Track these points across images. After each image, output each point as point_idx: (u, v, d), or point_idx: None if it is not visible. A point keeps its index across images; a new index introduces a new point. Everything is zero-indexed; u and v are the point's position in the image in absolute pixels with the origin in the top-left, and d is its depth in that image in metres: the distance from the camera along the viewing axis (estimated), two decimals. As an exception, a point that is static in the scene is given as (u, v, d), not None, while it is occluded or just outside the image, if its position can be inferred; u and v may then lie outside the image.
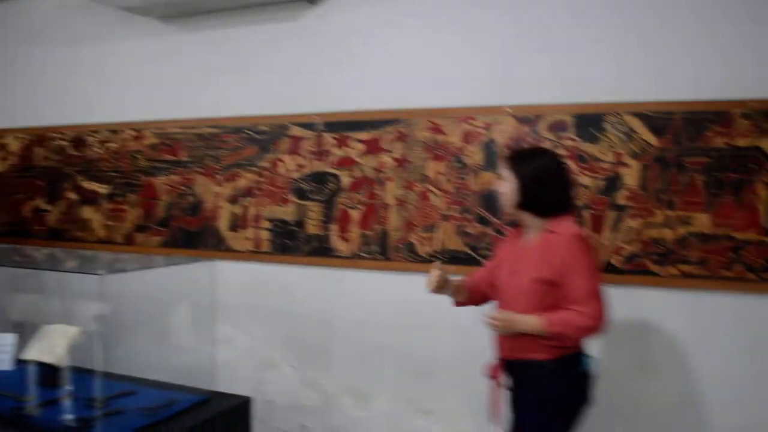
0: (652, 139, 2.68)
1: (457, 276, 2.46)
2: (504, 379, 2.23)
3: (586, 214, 2.78)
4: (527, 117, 2.85)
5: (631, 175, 2.71)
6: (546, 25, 2.85)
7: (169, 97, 3.61)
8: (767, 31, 2.57)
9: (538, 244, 2.11)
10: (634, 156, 2.70)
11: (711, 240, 2.61)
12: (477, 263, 2.91)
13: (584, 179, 2.78)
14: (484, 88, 2.94)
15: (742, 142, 2.57)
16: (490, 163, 2.90)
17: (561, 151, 2.79)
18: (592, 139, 2.76)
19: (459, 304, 2.37)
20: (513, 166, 2.15)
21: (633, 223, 2.71)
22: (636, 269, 2.71)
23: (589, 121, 2.76)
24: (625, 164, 2.72)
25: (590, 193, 2.77)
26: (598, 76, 2.78)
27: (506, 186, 2.14)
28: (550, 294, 2.04)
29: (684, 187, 2.65)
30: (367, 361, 3.23)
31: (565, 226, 2.09)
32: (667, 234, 2.67)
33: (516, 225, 2.30)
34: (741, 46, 2.60)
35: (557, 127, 2.80)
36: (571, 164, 2.77)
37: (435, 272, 2.17)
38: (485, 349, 2.81)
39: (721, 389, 2.64)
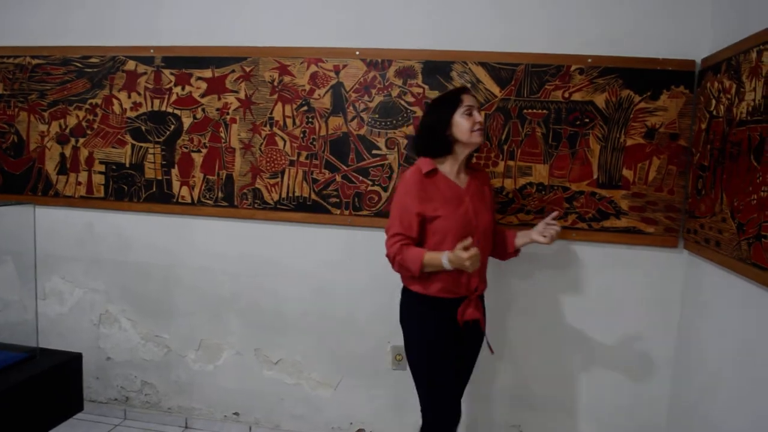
0: (496, 90, 2.70)
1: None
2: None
3: (432, 162, 2.76)
4: (376, 61, 2.77)
5: (475, 125, 2.72)
6: (398, -32, 2.77)
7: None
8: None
9: (478, 180, 2.28)
10: (479, 106, 2.71)
11: (548, 190, 2.70)
12: (325, 210, 2.84)
13: (431, 127, 2.75)
14: (334, 29, 2.83)
15: (577, 96, 2.65)
16: (338, 107, 2.80)
17: (409, 98, 2.75)
18: (440, 87, 2.73)
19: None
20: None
21: (476, 172, 2.73)
22: (477, 218, 2.74)
23: (437, 69, 2.73)
24: (470, 114, 2.72)
25: (436, 141, 2.75)
26: (447, 24, 2.75)
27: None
28: None
29: (525, 138, 2.69)
30: (212, 312, 3.10)
31: (476, 165, 2.45)
32: (508, 183, 2.72)
33: (430, 165, 2.21)
34: (581, 3, 2.66)
35: (406, 73, 2.76)
36: (419, 112, 2.75)
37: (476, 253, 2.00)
38: (334, 296, 2.80)
39: (555, 333, 2.78)
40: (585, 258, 2.71)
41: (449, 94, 2.20)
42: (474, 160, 2.54)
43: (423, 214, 2.09)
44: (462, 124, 2.12)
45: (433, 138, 2.16)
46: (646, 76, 2.62)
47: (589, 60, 2.64)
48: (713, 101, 2.43)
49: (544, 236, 2.23)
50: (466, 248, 1.93)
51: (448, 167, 2.18)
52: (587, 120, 2.65)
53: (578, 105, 2.65)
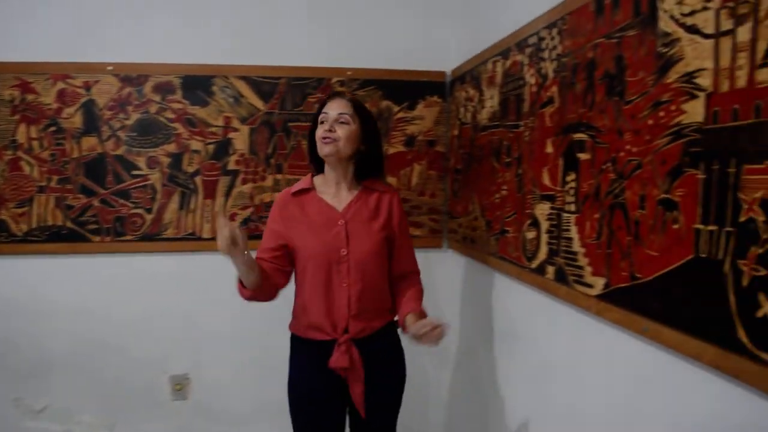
0: (259, 104, 2.67)
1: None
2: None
3: (198, 180, 2.66)
4: (130, 76, 2.62)
5: (240, 140, 2.67)
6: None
7: None
8: (361, 7, 2.76)
9: (370, 202, 1.92)
10: (243, 120, 2.67)
11: (319, 202, 2.70)
12: (83, 239, 2.62)
13: (195, 144, 2.66)
14: (82, 43, 2.64)
15: (339, 108, 2.69)
16: (91, 127, 2.61)
17: (169, 115, 2.63)
18: (201, 103, 2.65)
19: (251, 293, 1.77)
20: (359, 110, 1.89)
21: (245, 187, 2.68)
22: (249, 234, 2.67)
23: (198, 84, 2.65)
24: (234, 128, 2.67)
25: (201, 158, 2.66)
26: (206, 38, 2.68)
27: (347, 129, 1.84)
28: (387, 250, 1.92)
29: (291, 151, 2.69)
30: (-43, 364, 2.72)
31: (385, 185, 2.00)
32: (277, 198, 2.69)
33: (303, 184, 1.94)
34: (339, 18, 2.74)
35: (164, 89, 2.64)
36: (181, 128, 2.64)
37: (223, 223, 1.59)
38: (104, 330, 2.59)
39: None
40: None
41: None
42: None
43: (286, 241, 1.84)
44: (317, 134, 1.85)
45: (309, 153, 1.97)
46: (403, 88, 2.74)
47: (349, 73, 2.70)
48: (462, 109, 2.59)
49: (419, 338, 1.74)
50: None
51: (324, 186, 1.91)
52: (350, 131, 2.69)
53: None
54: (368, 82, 2.72)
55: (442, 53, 2.78)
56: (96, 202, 2.63)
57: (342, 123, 1.83)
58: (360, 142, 1.88)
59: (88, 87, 2.62)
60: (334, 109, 1.85)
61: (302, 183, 1.93)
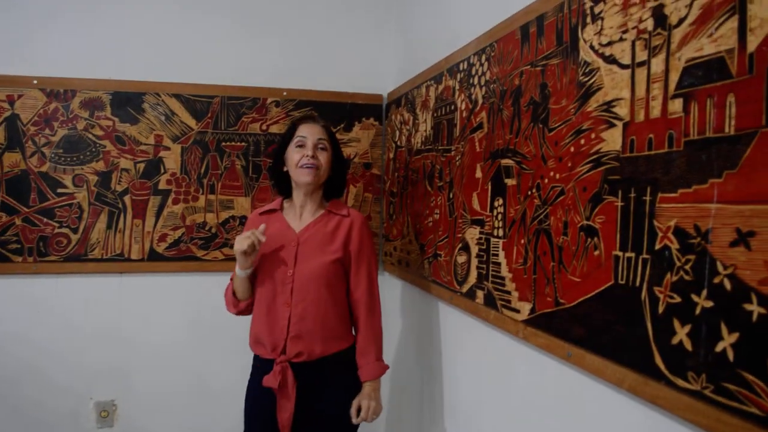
0: (192, 123, 2.61)
1: None
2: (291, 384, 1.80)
3: (127, 199, 2.57)
4: (57, 91, 2.52)
5: (172, 159, 2.61)
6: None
7: None
8: (299, 28, 2.75)
9: (330, 224, 1.89)
10: (175, 139, 2.60)
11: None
12: (4, 259, 2.50)
13: (124, 162, 2.57)
14: (6, 55, 2.52)
15: (275, 129, 2.67)
16: (15, 142, 2.49)
17: (98, 132, 2.54)
18: (132, 120, 2.58)
19: (245, 304, 1.90)
20: (332, 136, 1.92)
21: (176, 208, 2.61)
22: (180, 255, 2.61)
23: (128, 100, 2.57)
24: (166, 147, 2.60)
25: (130, 176, 2.58)
26: (138, 54, 2.62)
27: (326, 156, 1.87)
28: (340, 276, 1.87)
29: (224, 171, 2.64)
30: None
31: (350, 210, 1.94)
32: (210, 218, 2.63)
33: (273, 204, 1.99)
34: (276, 39, 2.73)
35: (93, 105, 2.55)
36: (110, 146, 2.55)
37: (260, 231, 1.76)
38: (19, 355, 2.50)
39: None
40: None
41: (290, 124, 1.95)
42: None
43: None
44: (291, 158, 1.84)
45: (271, 175, 1.98)
46: (339, 109, 2.73)
47: (285, 93, 2.68)
48: (397, 132, 2.59)
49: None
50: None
51: (290, 207, 1.93)
52: (286, 152, 2.66)
53: (276, 137, 2.66)
54: (304, 102, 2.70)
55: (380, 76, 2.79)
56: (18, 221, 2.51)
57: (322, 149, 1.85)
58: (331, 168, 1.90)
59: (11, 101, 2.51)
60: (314, 134, 1.85)
61: (272, 205, 1.96)
